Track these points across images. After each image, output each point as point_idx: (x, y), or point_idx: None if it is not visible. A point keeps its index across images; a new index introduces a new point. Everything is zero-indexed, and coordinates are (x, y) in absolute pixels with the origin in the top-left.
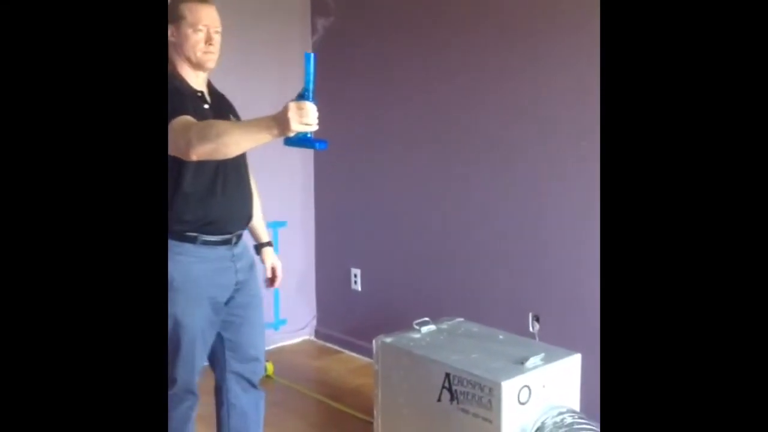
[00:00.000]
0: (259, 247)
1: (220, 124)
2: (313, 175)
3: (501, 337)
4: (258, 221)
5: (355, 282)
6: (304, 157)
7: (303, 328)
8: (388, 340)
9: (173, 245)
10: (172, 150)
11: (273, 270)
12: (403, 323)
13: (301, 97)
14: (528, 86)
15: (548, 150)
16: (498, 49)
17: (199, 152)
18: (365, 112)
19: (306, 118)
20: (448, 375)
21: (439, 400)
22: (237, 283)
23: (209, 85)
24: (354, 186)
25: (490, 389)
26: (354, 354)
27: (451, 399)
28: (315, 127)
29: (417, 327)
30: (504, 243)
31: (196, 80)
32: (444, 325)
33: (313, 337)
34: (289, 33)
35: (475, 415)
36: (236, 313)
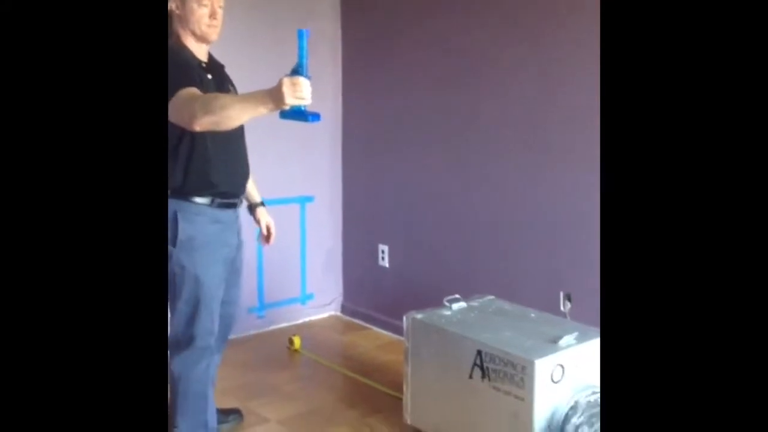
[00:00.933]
0: (253, 207)
1: (223, 98)
2: (341, 150)
3: (533, 315)
4: (250, 183)
5: (383, 258)
6: (333, 132)
7: (329, 304)
8: (419, 316)
9: (192, 206)
10: (176, 119)
11: (268, 227)
12: (431, 300)
13: (295, 72)
14: (556, 72)
15: (583, 127)
16: (531, 35)
17: (202, 124)
18: (396, 87)
19: (299, 93)
20: (479, 352)
21: (470, 377)
22: (237, 246)
23: (210, 57)
24: (383, 161)
25: (523, 367)
26: (381, 330)
27: (483, 376)
28: (308, 101)
29: (448, 304)
30: (535, 220)
31: (200, 51)
32: (475, 303)
33: (339, 313)
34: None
35: (507, 393)
36: (232, 274)
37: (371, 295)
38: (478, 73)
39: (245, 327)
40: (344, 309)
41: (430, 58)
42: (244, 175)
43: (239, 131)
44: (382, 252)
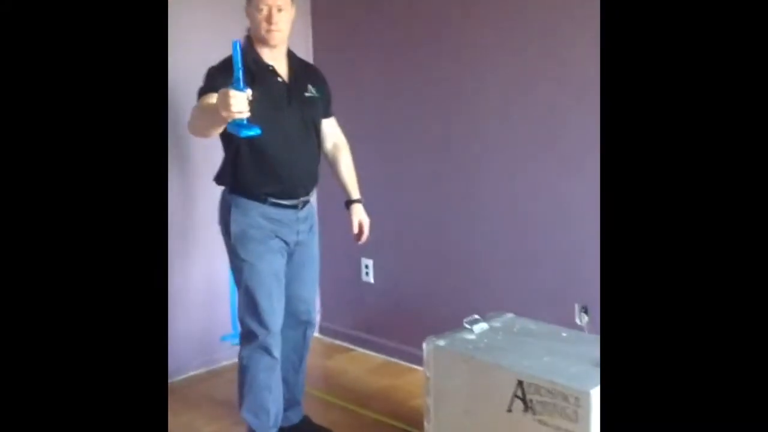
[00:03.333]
0: (348, 203)
1: (197, 108)
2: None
3: (564, 334)
4: (348, 178)
5: (367, 273)
6: None
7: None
8: (442, 342)
9: (246, 203)
10: None
11: (360, 225)
12: (423, 318)
13: (231, 85)
14: (567, 71)
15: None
16: (527, 38)
17: (191, 132)
18: (382, 90)
19: (233, 106)
20: (521, 383)
21: (509, 410)
22: (297, 243)
23: (290, 57)
24: (366, 168)
25: (577, 398)
26: (367, 351)
27: (525, 409)
28: (245, 114)
29: (468, 326)
30: (540, 227)
31: (270, 55)
32: (496, 323)
33: (318, 334)
34: None
35: (557, 428)
36: (292, 270)
37: (354, 313)
38: (476, 66)
39: (219, 357)
40: (323, 330)
41: (417, 52)
42: (304, 176)
43: (301, 133)
44: (366, 267)
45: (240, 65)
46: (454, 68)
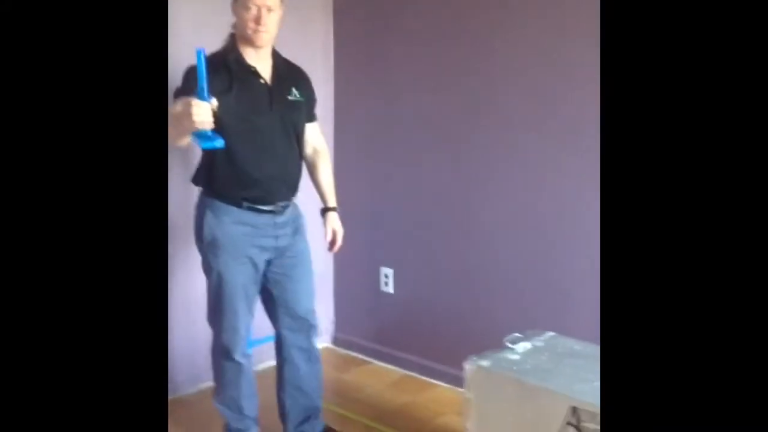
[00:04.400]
0: (324, 211)
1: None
2: (333, 154)
3: None
4: (326, 185)
5: (386, 283)
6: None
7: (319, 336)
8: (485, 363)
9: (221, 207)
10: None
11: (333, 233)
12: (445, 331)
13: (195, 94)
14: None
15: None
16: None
17: None
18: (406, 93)
19: (195, 116)
20: (575, 410)
21: None
22: (277, 249)
23: (275, 58)
24: (385, 168)
25: None
26: (385, 364)
27: None
28: (207, 125)
29: (510, 345)
30: (570, 238)
31: (255, 56)
32: (539, 342)
33: (331, 345)
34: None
35: None
36: (281, 272)
37: (371, 325)
38: (496, 60)
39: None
40: (337, 341)
41: (438, 48)
42: (283, 182)
43: (281, 137)
44: (385, 276)
45: (204, 74)
46: (484, 72)
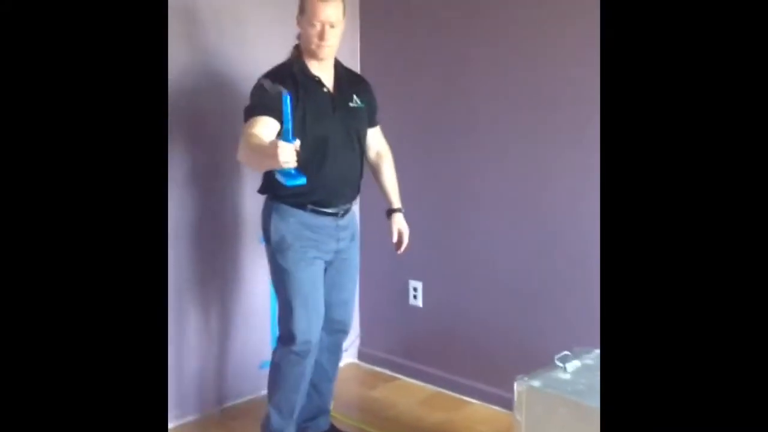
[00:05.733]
0: (389, 212)
1: (246, 143)
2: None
3: None
4: (390, 186)
5: (415, 297)
6: None
7: (345, 350)
8: (536, 383)
9: (286, 209)
10: None
11: (399, 234)
12: (477, 346)
13: (281, 136)
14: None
15: None
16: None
17: (238, 158)
18: (437, 101)
19: (281, 157)
20: None
21: None
22: (337, 251)
23: (337, 67)
24: (416, 182)
25: None
26: (414, 380)
27: None
28: (292, 164)
29: (561, 364)
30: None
31: (318, 66)
32: (589, 360)
33: (357, 360)
34: None
35: None
36: (330, 276)
37: (399, 339)
38: (530, 66)
39: (254, 387)
40: (362, 355)
41: (469, 44)
42: (346, 185)
43: (347, 139)
44: (414, 289)
45: (290, 117)
46: (518, 80)
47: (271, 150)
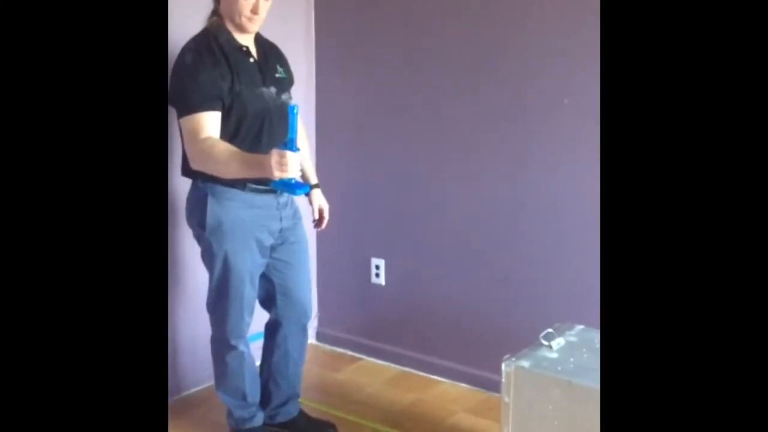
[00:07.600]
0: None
1: (219, 153)
2: (314, 138)
3: None
4: (306, 163)
5: (377, 275)
6: (304, 115)
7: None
8: (525, 363)
9: (224, 191)
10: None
11: (320, 211)
12: (442, 324)
13: (285, 145)
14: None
15: None
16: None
17: (195, 167)
18: (398, 78)
19: (285, 167)
20: None
21: None
22: (281, 230)
23: (258, 38)
24: (376, 159)
25: None
26: (378, 361)
27: None
28: (295, 175)
29: (546, 342)
30: (571, 221)
31: (241, 37)
32: (572, 337)
33: (315, 341)
34: None
35: None
36: (283, 258)
37: (361, 319)
38: (496, 42)
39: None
40: (321, 336)
41: (433, 26)
42: None
43: (282, 114)
44: (377, 267)
45: (296, 128)
46: (479, 53)
47: (277, 161)
